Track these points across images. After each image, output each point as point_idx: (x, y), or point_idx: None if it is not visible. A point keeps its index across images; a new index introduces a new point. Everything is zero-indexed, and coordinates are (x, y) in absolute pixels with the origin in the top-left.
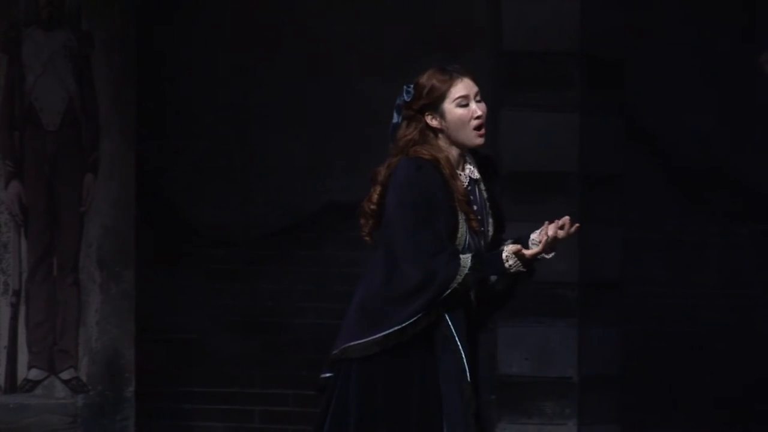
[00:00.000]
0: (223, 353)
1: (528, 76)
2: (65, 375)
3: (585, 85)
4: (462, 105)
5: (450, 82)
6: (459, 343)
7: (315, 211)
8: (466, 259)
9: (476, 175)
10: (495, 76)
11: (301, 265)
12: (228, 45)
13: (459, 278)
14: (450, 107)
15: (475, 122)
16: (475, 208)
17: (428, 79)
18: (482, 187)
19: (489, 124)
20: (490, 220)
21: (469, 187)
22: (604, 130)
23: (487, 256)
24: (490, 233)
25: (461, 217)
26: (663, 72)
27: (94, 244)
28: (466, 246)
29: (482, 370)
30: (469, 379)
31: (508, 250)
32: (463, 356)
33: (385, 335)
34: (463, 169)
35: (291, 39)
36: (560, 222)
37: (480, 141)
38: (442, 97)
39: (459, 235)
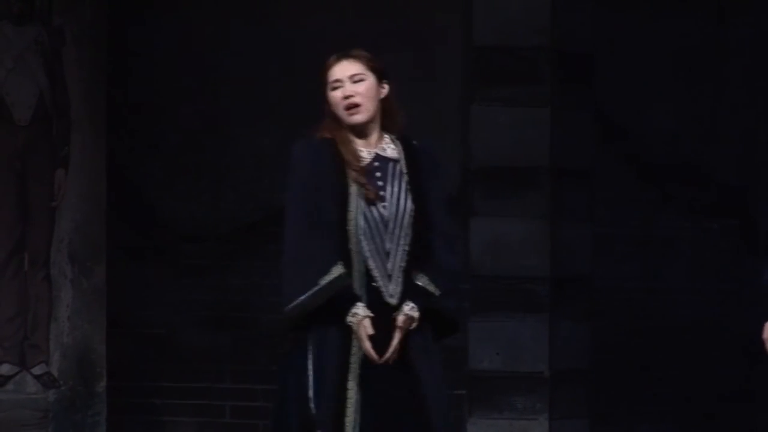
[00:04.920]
0: (194, 348)
1: (498, 71)
2: (37, 370)
3: (556, 80)
4: (336, 88)
5: (328, 67)
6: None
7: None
8: (330, 276)
9: (391, 154)
10: (465, 71)
11: (271, 260)
12: (199, 40)
13: (308, 294)
14: (329, 91)
15: (344, 103)
16: (380, 183)
17: None
18: (403, 168)
19: (367, 101)
20: (409, 199)
21: (377, 163)
22: (574, 125)
23: (347, 295)
24: (407, 209)
25: (353, 190)
26: (633, 67)
27: (65, 239)
28: (360, 215)
29: (426, 377)
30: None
31: (362, 314)
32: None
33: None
34: (375, 146)
35: (262, 33)
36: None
37: (351, 120)
38: (325, 81)
39: (351, 208)
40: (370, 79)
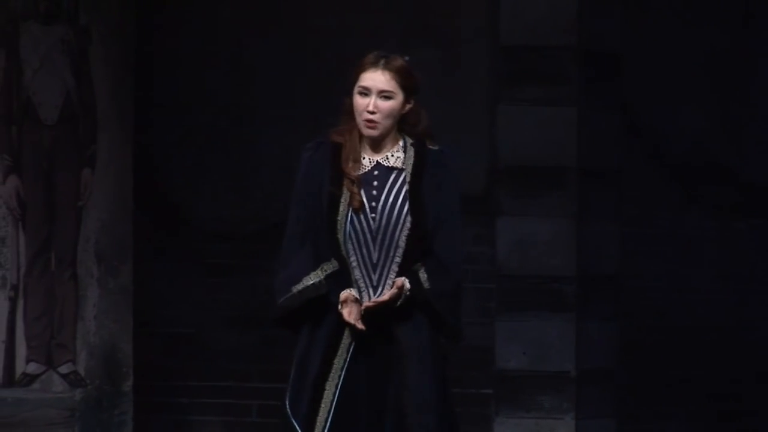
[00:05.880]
0: (221, 348)
1: (526, 70)
2: (63, 369)
3: (582, 79)
4: (362, 94)
5: (363, 68)
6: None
7: None
8: (301, 285)
9: (395, 162)
10: (493, 70)
11: None
12: (225, 39)
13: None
14: (355, 91)
15: (365, 115)
16: (374, 193)
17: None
18: (407, 178)
19: (386, 120)
20: (405, 210)
21: (376, 172)
22: (601, 125)
23: (322, 302)
24: (400, 220)
25: (345, 197)
26: (660, 67)
27: (91, 239)
28: (348, 223)
29: (412, 377)
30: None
31: (343, 297)
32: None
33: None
34: (381, 154)
35: (288, 33)
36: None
37: (366, 133)
38: (355, 79)
39: (339, 216)
40: (398, 98)
